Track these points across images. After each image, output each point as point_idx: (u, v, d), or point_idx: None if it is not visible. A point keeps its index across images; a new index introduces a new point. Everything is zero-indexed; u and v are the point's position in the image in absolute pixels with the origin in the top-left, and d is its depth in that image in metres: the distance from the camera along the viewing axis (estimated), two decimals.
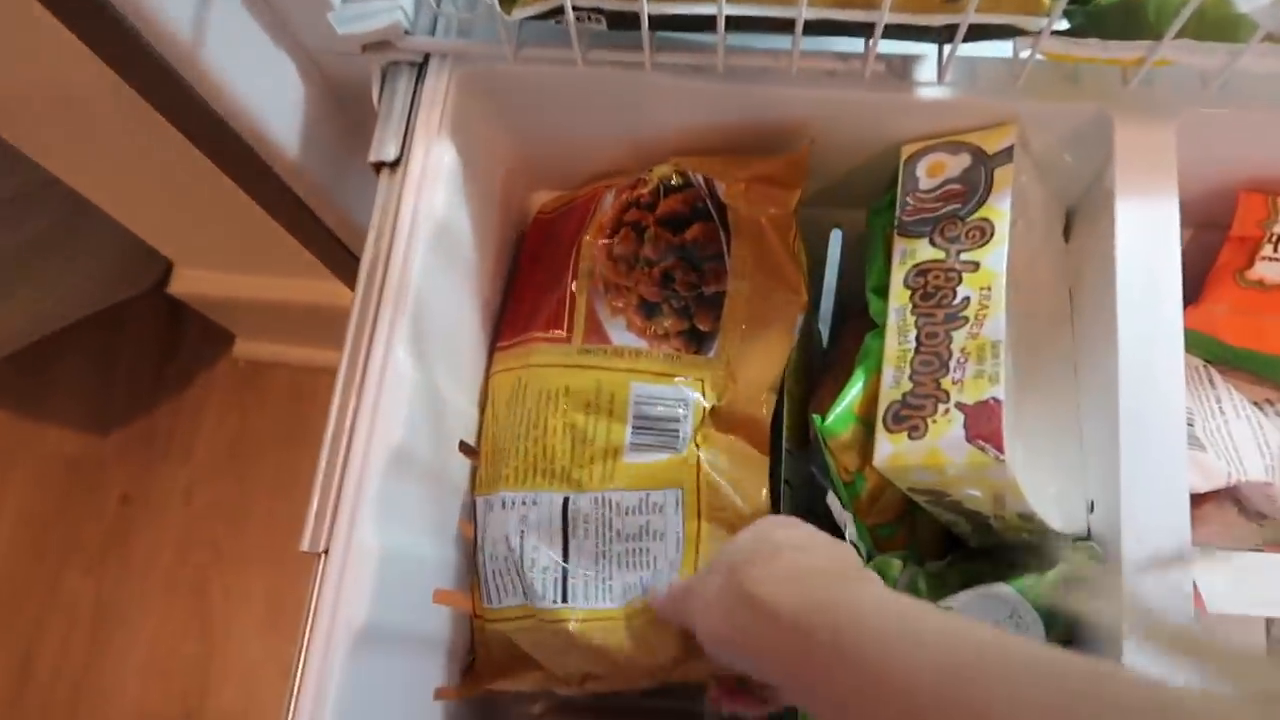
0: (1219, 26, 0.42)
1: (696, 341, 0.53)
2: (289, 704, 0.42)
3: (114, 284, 0.98)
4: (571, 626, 0.50)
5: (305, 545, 0.44)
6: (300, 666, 0.42)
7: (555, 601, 0.50)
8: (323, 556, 0.44)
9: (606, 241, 0.55)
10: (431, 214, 0.48)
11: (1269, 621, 0.46)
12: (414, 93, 0.50)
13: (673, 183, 0.54)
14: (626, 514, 0.51)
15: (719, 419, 0.51)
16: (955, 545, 0.55)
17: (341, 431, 0.45)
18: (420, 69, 0.50)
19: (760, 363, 0.51)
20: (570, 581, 0.51)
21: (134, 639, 1.02)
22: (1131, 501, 0.43)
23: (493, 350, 0.57)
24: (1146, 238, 0.46)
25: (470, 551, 0.54)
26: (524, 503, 0.51)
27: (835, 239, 0.64)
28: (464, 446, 0.54)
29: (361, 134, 0.50)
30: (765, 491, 0.50)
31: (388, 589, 0.45)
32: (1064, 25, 0.43)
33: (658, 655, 0.50)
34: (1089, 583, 0.45)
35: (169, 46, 0.44)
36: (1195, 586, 0.43)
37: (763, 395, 0.51)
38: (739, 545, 0.43)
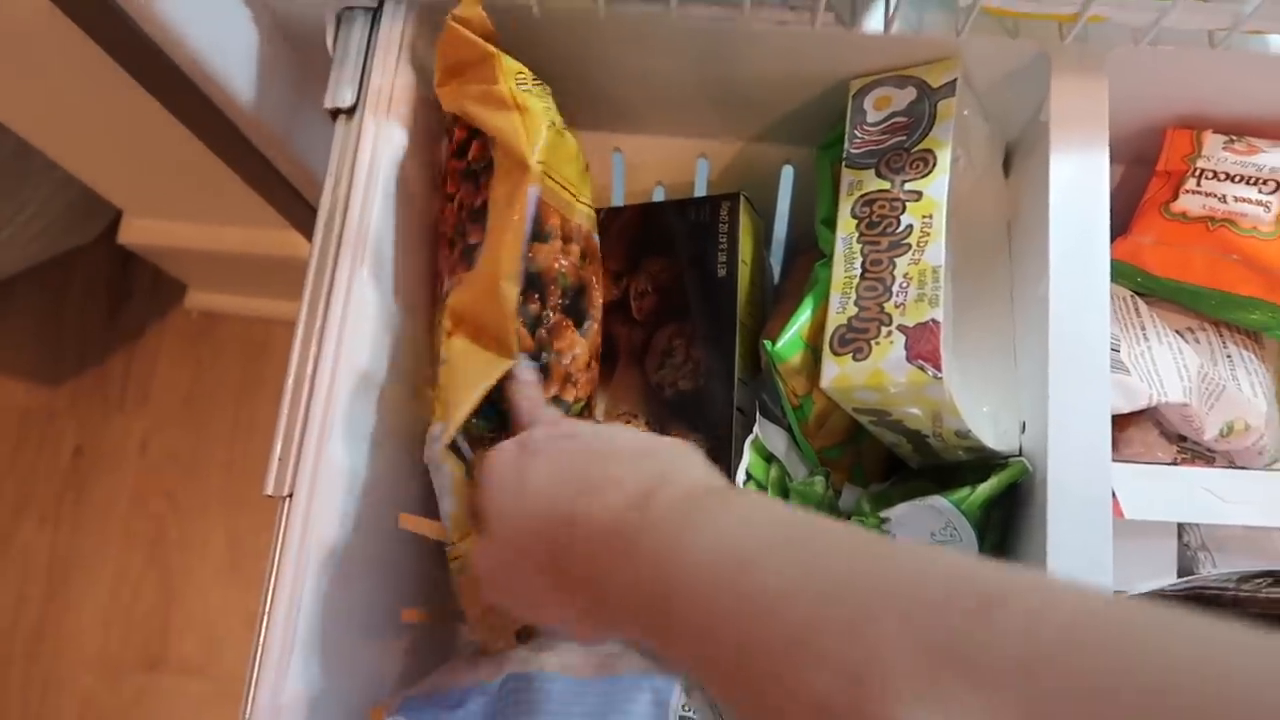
0: None
1: (468, 260, 0.49)
2: (258, 639, 0.43)
3: (62, 232, 0.96)
4: None
5: (269, 489, 0.45)
6: (268, 603, 0.44)
7: None
8: (287, 500, 0.45)
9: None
10: (390, 160, 0.49)
11: (1180, 527, 0.50)
12: (370, 37, 0.50)
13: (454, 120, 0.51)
14: None
15: (455, 317, 0.49)
16: (897, 468, 0.58)
17: (304, 375, 0.46)
18: (376, 13, 0.51)
19: (491, 254, 0.47)
20: None
21: (92, 590, 1.02)
22: (1058, 421, 0.46)
23: None
24: (1078, 171, 0.49)
25: None
26: None
27: (786, 176, 0.66)
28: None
29: (318, 80, 0.50)
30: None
31: (355, 516, 0.47)
32: None
33: None
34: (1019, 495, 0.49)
35: None
36: (1115, 496, 0.46)
37: (496, 286, 0.46)
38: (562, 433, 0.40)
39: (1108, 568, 0.44)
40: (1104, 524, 0.45)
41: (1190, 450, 0.59)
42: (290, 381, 0.46)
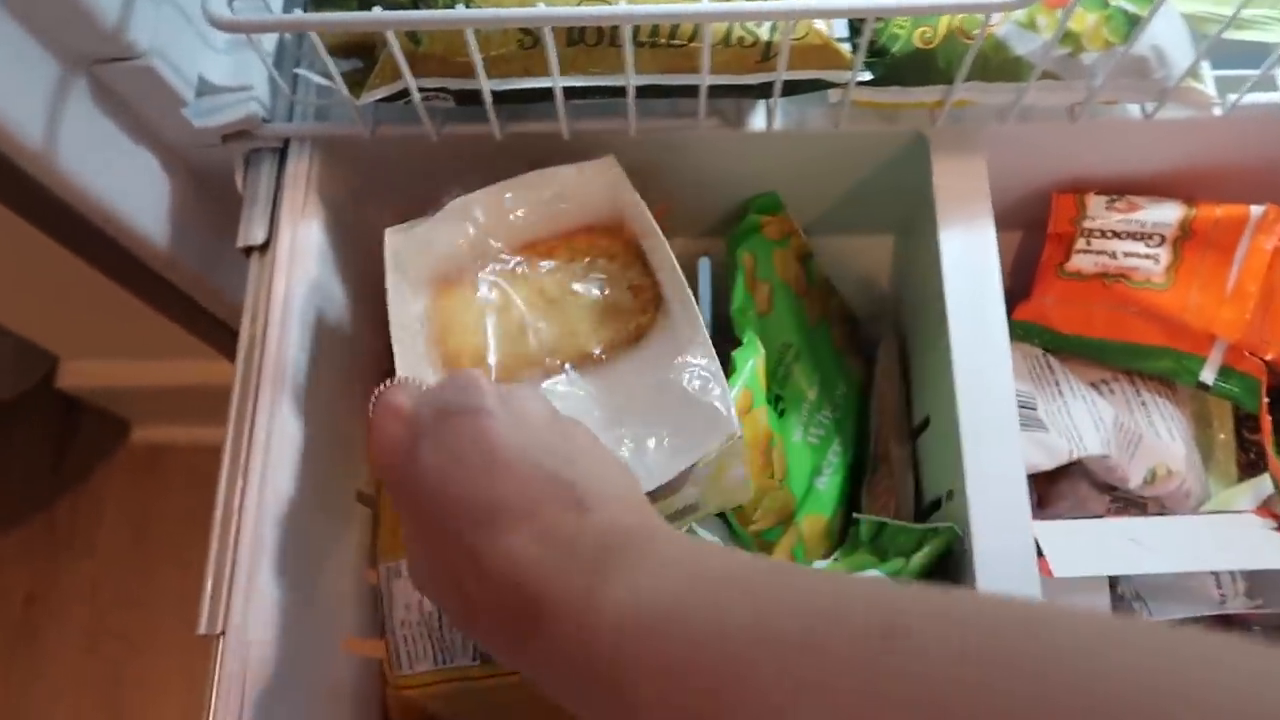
0: (1003, 68, 0.47)
1: None
2: None
3: (2, 381, 0.96)
4: (489, 683, 0.51)
5: (202, 629, 0.45)
6: None
7: (474, 659, 0.52)
8: (220, 639, 0.45)
9: None
10: (305, 291, 0.50)
11: (1113, 580, 0.51)
12: (277, 176, 0.52)
13: None
14: None
15: None
16: (838, 545, 0.58)
17: (230, 510, 0.46)
18: (282, 153, 0.52)
19: None
20: None
21: None
22: (976, 487, 0.47)
23: None
24: (967, 243, 0.51)
25: (377, 600, 0.55)
26: None
27: (703, 267, 0.68)
28: (361, 496, 0.56)
29: (234, 218, 0.52)
30: None
31: (292, 648, 0.47)
32: (868, 76, 0.47)
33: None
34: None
35: (21, 154, 0.45)
36: (1043, 555, 0.47)
37: None
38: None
39: None
40: (1032, 584, 0.46)
41: (1122, 500, 0.60)
42: (218, 517, 0.47)
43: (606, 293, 0.51)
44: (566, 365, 0.49)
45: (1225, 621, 0.53)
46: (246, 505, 0.47)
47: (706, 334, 0.47)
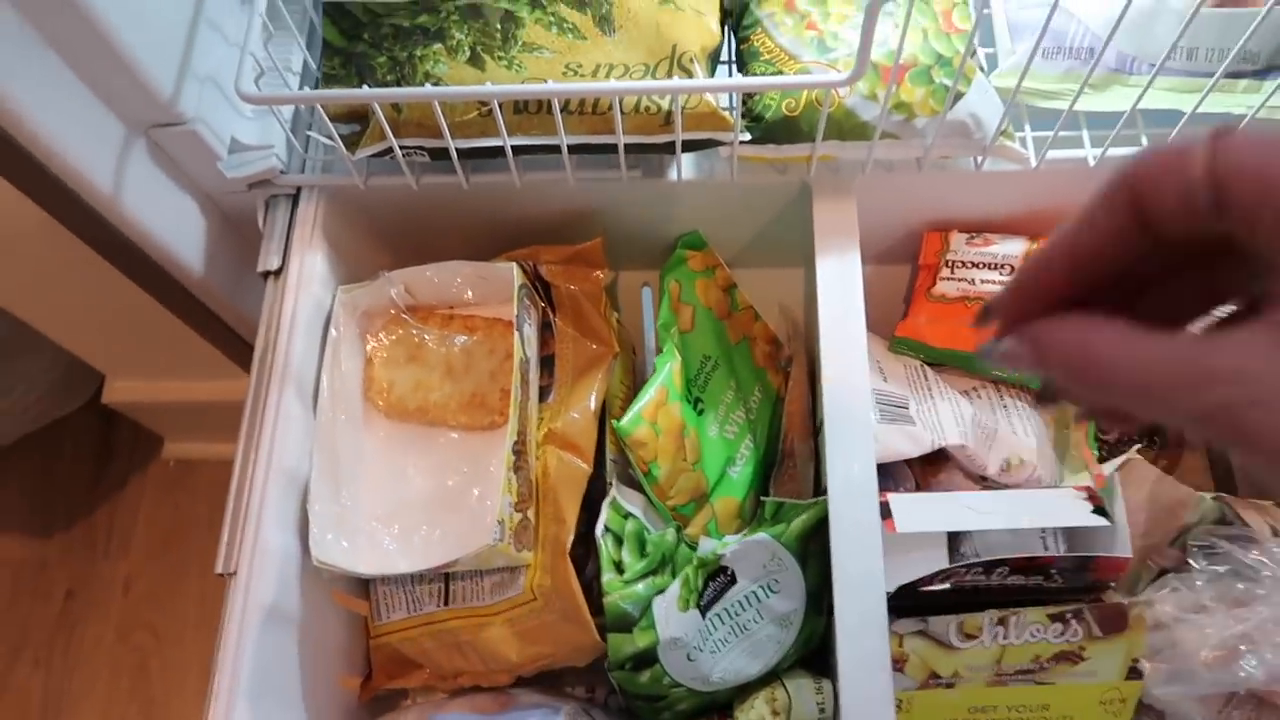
0: (854, 130, 0.59)
1: (541, 396, 0.67)
2: (210, 689, 0.55)
3: (52, 404, 1.10)
4: (450, 624, 0.63)
5: (219, 568, 0.57)
6: (218, 654, 0.55)
7: (438, 605, 0.64)
8: (232, 576, 0.57)
9: None
10: (308, 306, 0.63)
11: (959, 539, 0.62)
12: (290, 216, 0.66)
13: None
14: None
15: (554, 438, 0.65)
16: (749, 522, 0.70)
17: (244, 477, 0.59)
18: (295, 198, 0.66)
19: (582, 400, 0.65)
20: (451, 587, 0.65)
21: None
22: (836, 466, 0.58)
23: None
24: (837, 273, 0.63)
25: None
26: None
27: (646, 294, 0.80)
28: None
29: (255, 251, 0.65)
30: (581, 492, 0.63)
31: (289, 590, 0.58)
32: (747, 137, 0.60)
33: (519, 655, 0.62)
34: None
35: (95, 198, 0.59)
36: (893, 517, 0.59)
37: (585, 423, 0.65)
38: None
39: (879, 576, 0.56)
40: (875, 542, 0.56)
41: (990, 488, 0.72)
42: (234, 482, 0.59)
43: (486, 384, 0.67)
44: (457, 422, 0.67)
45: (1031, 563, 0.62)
46: (257, 473, 0.59)
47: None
